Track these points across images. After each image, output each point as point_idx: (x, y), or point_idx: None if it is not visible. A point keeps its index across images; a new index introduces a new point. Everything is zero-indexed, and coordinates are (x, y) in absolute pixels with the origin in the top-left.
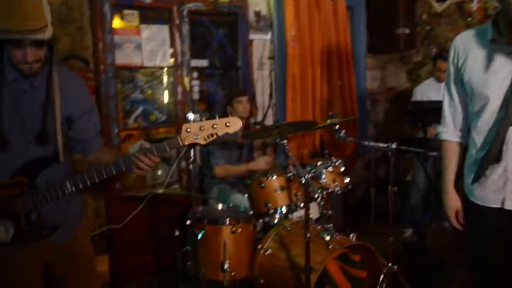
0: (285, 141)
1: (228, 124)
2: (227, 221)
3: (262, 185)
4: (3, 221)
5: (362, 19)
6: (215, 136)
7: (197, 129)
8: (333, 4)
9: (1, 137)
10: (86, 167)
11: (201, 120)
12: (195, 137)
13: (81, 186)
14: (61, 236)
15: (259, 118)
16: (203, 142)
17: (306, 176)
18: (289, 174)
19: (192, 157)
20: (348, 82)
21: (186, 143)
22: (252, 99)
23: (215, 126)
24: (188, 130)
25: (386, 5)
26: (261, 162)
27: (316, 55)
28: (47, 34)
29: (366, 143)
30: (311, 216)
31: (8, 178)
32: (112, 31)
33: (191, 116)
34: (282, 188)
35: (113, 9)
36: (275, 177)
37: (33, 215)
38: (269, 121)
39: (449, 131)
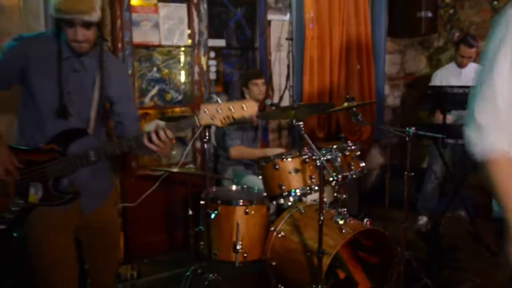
0: (301, 123)
1: (244, 107)
2: (241, 202)
3: (277, 167)
4: (34, 183)
5: (383, 1)
6: (231, 119)
7: (215, 111)
8: None
9: (63, 105)
10: None
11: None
12: (212, 118)
13: (103, 156)
14: (88, 205)
15: (276, 99)
16: (219, 124)
17: (322, 159)
18: (304, 157)
19: (207, 138)
20: (367, 66)
21: (203, 124)
22: (269, 81)
23: (231, 108)
24: (206, 111)
25: None
26: (277, 151)
27: (334, 37)
28: (95, 16)
29: (384, 127)
30: (325, 200)
31: (45, 143)
32: (130, 8)
33: (215, 97)
34: (296, 171)
35: None
36: (289, 159)
37: (64, 181)
38: (286, 103)
39: (504, 136)
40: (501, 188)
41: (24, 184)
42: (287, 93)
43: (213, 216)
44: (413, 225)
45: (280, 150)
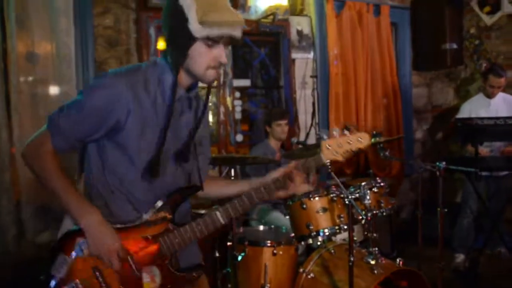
0: (328, 161)
1: (360, 139)
2: (268, 243)
3: (304, 206)
4: (148, 268)
5: (406, 35)
6: (351, 152)
7: (336, 146)
8: (377, 21)
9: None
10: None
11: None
12: (335, 153)
13: (231, 215)
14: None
15: (302, 138)
16: (340, 159)
17: (350, 197)
18: (332, 195)
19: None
20: (393, 100)
21: (328, 159)
22: (294, 119)
23: (350, 142)
24: (328, 147)
25: (431, 20)
26: (300, 187)
27: (359, 73)
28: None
29: (413, 162)
30: (355, 239)
31: (152, 213)
32: (157, 52)
33: (324, 133)
34: (324, 210)
35: (158, 31)
36: (317, 198)
37: (183, 254)
38: (312, 140)
39: None
40: None
41: (133, 274)
42: (313, 131)
43: (239, 258)
44: (450, 264)
45: (305, 187)
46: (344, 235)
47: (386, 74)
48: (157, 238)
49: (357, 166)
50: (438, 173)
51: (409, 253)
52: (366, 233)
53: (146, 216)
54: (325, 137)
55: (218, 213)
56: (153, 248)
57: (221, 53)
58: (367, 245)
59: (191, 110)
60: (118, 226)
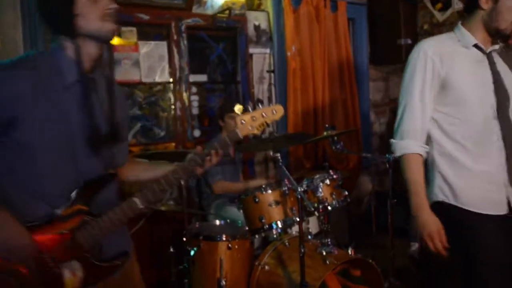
0: (278, 154)
1: (274, 111)
2: (223, 237)
3: (257, 200)
4: (68, 263)
5: (363, 30)
6: (265, 125)
7: (251, 120)
8: (334, 16)
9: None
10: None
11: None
12: (250, 127)
13: (153, 201)
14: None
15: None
16: (256, 132)
17: (299, 190)
18: (284, 188)
19: None
20: (351, 94)
21: (243, 134)
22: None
23: (264, 115)
24: (243, 122)
25: (387, 16)
26: (259, 183)
27: (317, 68)
28: None
29: (363, 154)
30: (310, 231)
31: (66, 207)
32: (112, 48)
33: (238, 107)
34: (277, 203)
35: None
36: (269, 191)
37: (104, 245)
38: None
39: (418, 143)
40: (410, 178)
41: (52, 272)
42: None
43: (192, 253)
44: (407, 252)
45: (262, 182)
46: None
47: (344, 69)
48: (73, 232)
49: (315, 159)
50: (387, 165)
51: (368, 243)
52: (321, 224)
53: (58, 211)
54: (238, 109)
55: (135, 199)
56: (70, 242)
57: (108, 4)
58: (322, 236)
59: (98, 92)
60: (29, 224)
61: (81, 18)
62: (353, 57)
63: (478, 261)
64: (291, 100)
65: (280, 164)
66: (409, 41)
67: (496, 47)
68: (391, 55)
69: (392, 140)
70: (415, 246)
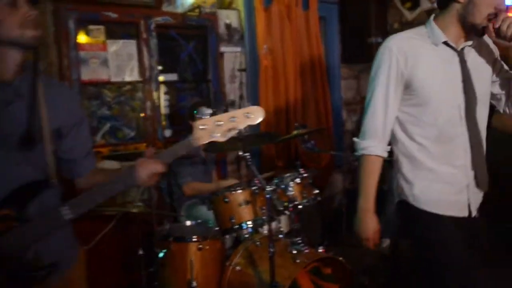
0: (247, 154)
1: (248, 114)
2: (194, 238)
3: (226, 200)
4: None
5: (335, 29)
6: (236, 130)
7: (213, 125)
8: (305, 15)
9: None
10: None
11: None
12: (212, 134)
13: (81, 210)
14: (56, 274)
15: None
16: (222, 139)
17: (267, 189)
18: (254, 188)
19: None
20: (323, 93)
21: (202, 142)
22: (224, 112)
23: (234, 119)
24: (202, 127)
25: (358, 15)
26: (230, 183)
27: (289, 66)
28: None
29: (333, 152)
30: (282, 230)
31: None
32: (77, 46)
33: (205, 111)
34: (247, 202)
35: (78, 24)
36: (239, 191)
37: (29, 253)
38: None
39: (380, 145)
40: (363, 180)
41: None
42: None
43: (162, 255)
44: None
45: (233, 181)
46: (272, 226)
47: (315, 67)
48: None
49: (288, 158)
50: (356, 163)
51: (339, 241)
52: (292, 223)
53: None
54: (204, 116)
55: (65, 208)
56: None
57: (28, 11)
58: (293, 235)
59: (21, 98)
60: None
61: (1, 26)
62: (324, 56)
63: (438, 263)
64: (263, 99)
65: (250, 163)
66: (380, 40)
67: (469, 43)
68: (362, 54)
69: (355, 139)
70: (386, 242)
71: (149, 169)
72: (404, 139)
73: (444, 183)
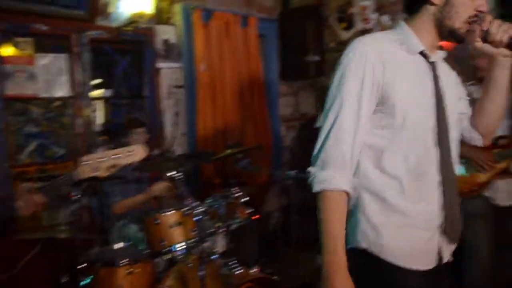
0: (178, 174)
1: (130, 153)
2: (123, 262)
3: (157, 221)
4: None
5: (273, 46)
6: (118, 167)
7: (96, 161)
8: (244, 32)
9: None
10: None
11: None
12: (94, 169)
13: None
14: None
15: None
16: (104, 174)
17: (197, 211)
18: (185, 209)
19: (91, 194)
20: (261, 110)
21: (83, 177)
22: (159, 129)
23: (116, 156)
24: (86, 162)
25: (296, 34)
26: (157, 188)
27: (227, 83)
28: None
29: (265, 171)
30: (217, 250)
31: None
32: (2, 59)
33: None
34: (178, 224)
35: (3, 36)
36: (170, 212)
37: None
38: (178, 152)
39: (346, 176)
40: (325, 222)
41: None
42: (180, 142)
43: (85, 282)
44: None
45: (164, 185)
46: (207, 246)
47: (254, 84)
48: None
49: (226, 176)
50: (289, 181)
51: (276, 259)
52: (227, 243)
53: None
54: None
55: None
56: None
57: None
58: (227, 256)
59: None
60: None
61: None
62: (263, 73)
63: None
64: (201, 116)
65: (180, 184)
66: (317, 58)
67: (441, 53)
68: (300, 71)
69: (311, 170)
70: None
71: (28, 200)
72: (370, 170)
73: (417, 228)
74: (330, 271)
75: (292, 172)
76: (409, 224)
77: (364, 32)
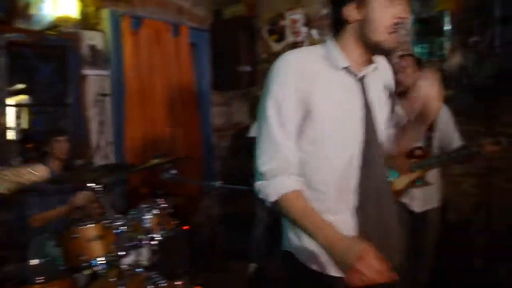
0: (98, 186)
1: (33, 171)
2: (38, 279)
3: (75, 235)
4: None
5: (206, 56)
6: (19, 184)
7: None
8: (176, 40)
9: None
10: None
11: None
12: None
13: None
14: None
15: (97, 159)
16: (7, 192)
17: (119, 223)
18: (106, 221)
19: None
20: (192, 119)
21: None
22: (85, 139)
23: (18, 173)
24: None
25: (228, 44)
26: (80, 198)
27: (157, 92)
28: None
29: (192, 181)
30: (142, 263)
31: None
32: None
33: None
34: (98, 237)
35: None
36: (89, 225)
37: None
38: (104, 162)
39: (292, 177)
40: (301, 220)
41: None
42: (107, 151)
43: None
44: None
45: (87, 195)
46: (131, 259)
47: (185, 93)
48: None
49: (154, 186)
50: (213, 192)
51: (209, 269)
52: (153, 256)
53: None
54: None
55: None
56: None
57: None
58: (153, 269)
59: None
60: None
61: None
62: (195, 82)
63: None
64: (129, 125)
65: (101, 196)
66: (249, 68)
67: (371, 67)
68: (233, 81)
69: (257, 184)
70: (252, 266)
71: None
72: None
73: None
74: (330, 245)
75: (219, 183)
76: None
77: (295, 44)
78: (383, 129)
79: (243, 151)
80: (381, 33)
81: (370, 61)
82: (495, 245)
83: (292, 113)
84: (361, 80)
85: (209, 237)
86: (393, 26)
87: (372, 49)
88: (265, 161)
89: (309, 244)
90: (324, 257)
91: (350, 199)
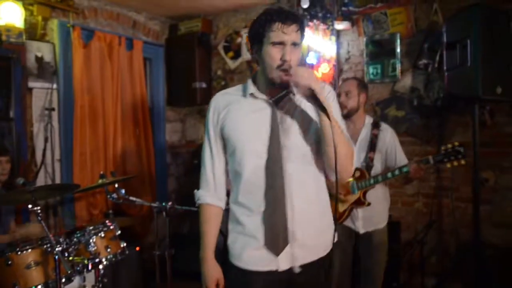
0: (37, 208)
1: None
2: None
3: (9, 262)
4: None
5: (160, 71)
6: None
7: None
8: (129, 54)
9: None
10: None
11: None
12: None
13: None
14: None
15: (42, 177)
16: None
17: (56, 249)
18: (46, 246)
19: None
20: (145, 135)
21: None
22: (31, 155)
23: None
24: None
25: (183, 60)
26: (29, 228)
27: (108, 107)
28: None
29: (139, 201)
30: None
31: None
32: None
33: None
34: (36, 264)
35: None
36: (26, 251)
37: None
38: (41, 181)
39: (211, 193)
40: (200, 228)
41: None
42: (52, 170)
43: None
44: None
45: (35, 226)
46: (76, 284)
47: (138, 109)
48: None
49: (105, 206)
50: (164, 212)
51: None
52: (101, 280)
53: None
54: None
55: None
56: None
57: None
58: None
59: None
60: None
61: None
62: (149, 97)
63: None
64: (78, 141)
65: (39, 218)
66: (204, 85)
67: (283, 94)
68: (187, 97)
69: (195, 190)
70: None
71: None
72: (230, 188)
73: (249, 237)
74: (202, 262)
75: (169, 204)
76: (243, 232)
77: (250, 62)
78: (299, 147)
79: (197, 169)
80: (271, 71)
81: (283, 89)
82: (446, 263)
83: (213, 143)
84: (272, 103)
85: (160, 259)
86: (279, 66)
87: (270, 82)
88: (200, 175)
89: (232, 240)
90: (245, 254)
91: (260, 204)
